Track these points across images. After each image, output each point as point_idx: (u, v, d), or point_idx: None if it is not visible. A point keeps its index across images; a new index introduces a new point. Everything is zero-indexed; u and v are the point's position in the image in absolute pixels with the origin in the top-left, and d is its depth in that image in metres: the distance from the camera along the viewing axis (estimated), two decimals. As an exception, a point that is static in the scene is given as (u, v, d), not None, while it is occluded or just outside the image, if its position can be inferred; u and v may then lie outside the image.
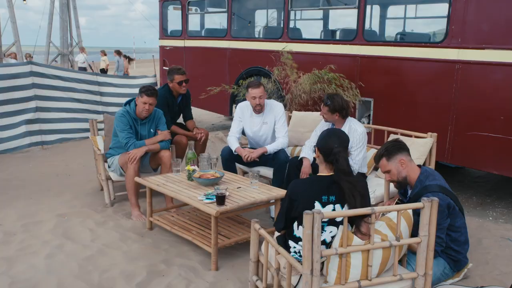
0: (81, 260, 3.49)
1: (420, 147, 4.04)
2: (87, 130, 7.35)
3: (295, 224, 2.63)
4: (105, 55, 16.98)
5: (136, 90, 7.75)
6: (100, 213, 4.45)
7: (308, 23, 8.08)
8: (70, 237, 3.91)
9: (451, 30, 4.77)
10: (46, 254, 3.58)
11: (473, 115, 4.72)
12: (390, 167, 3.08)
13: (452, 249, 3.04)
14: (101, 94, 7.81)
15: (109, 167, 4.68)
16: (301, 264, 2.29)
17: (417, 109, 5.20)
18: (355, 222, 2.53)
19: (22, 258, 3.52)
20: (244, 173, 4.79)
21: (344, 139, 2.70)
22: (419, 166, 3.17)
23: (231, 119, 9.17)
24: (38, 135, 6.96)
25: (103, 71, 15.77)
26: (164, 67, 9.09)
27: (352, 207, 2.48)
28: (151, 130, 4.56)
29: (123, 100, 7.72)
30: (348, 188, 2.52)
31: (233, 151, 4.49)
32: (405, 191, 3.26)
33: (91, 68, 16.24)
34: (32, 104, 6.88)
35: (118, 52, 15.89)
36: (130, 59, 16.47)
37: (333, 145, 2.61)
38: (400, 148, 3.08)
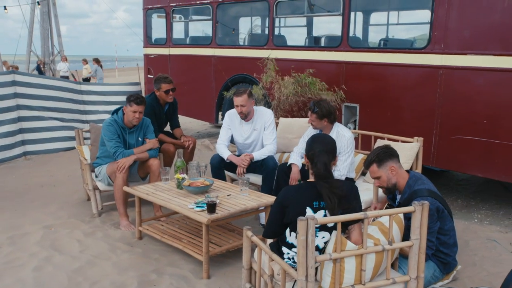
0: (70, 271, 3.44)
1: (407, 151, 4.09)
2: (71, 139, 7.26)
3: (287, 230, 2.64)
4: (87, 63, 16.84)
5: (119, 98, 7.80)
6: (87, 224, 4.40)
7: (293, 30, 8.15)
8: (57, 248, 3.85)
9: (434, 36, 4.86)
10: (33, 266, 3.51)
11: (457, 119, 4.81)
12: (380, 174, 3.12)
13: (441, 252, 3.08)
14: (84, 103, 7.74)
15: (96, 176, 4.62)
16: (296, 270, 2.30)
17: (402, 114, 5.28)
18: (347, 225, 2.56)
19: (9, 271, 3.45)
20: (233, 180, 4.79)
21: (326, 143, 2.70)
22: (407, 171, 3.22)
23: (217, 127, 9.18)
24: (21, 145, 6.85)
25: (86, 80, 15.61)
26: (149, 75, 9.06)
27: (331, 210, 2.49)
28: (139, 138, 4.54)
29: (107, 108, 7.72)
30: (325, 192, 2.52)
31: (225, 159, 4.49)
32: (393, 196, 3.30)
33: (73, 77, 16.06)
34: (14, 114, 6.77)
35: (97, 60, 15.72)
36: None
37: (315, 150, 2.64)
38: (391, 155, 3.12)
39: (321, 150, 2.64)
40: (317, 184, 2.57)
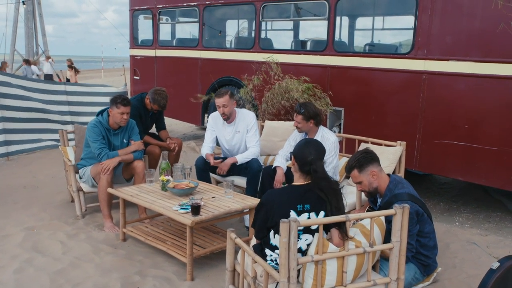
0: (52, 273, 3.41)
1: (390, 155, 4.15)
2: (54, 140, 7.19)
3: (271, 232, 2.66)
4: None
5: (103, 99, 7.73)
6: (71, 225, 4.36)
7: (280, 33, 8.19)
8: (40, 250, 3.81)
9: (417, 42, 4.95)
10: (14, 268, 3.47)
11: (439, 124, 4.89)
12: (361, 179, 3.15)
13: (422, 254, 3.13)
14: (69, 103, 7.66)
15: (80, 178, 4.59)
16: (278, 272, 2.32)
17: (386, 118, 5.35)
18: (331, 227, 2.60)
19: (-10, 273, 3.41)
20: (218, 182, 4.80)
21: (320, 151, 2.73)
22: (388, 174, 3.26)
23: (203, 129, 9.15)
24: (3, 146, 6.75)
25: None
26: (135, 77, 9.02)
27: (332, 207, 2.57)
28: (124, 140, 4.52)
29: (92, 109, 7.65)
30: (328, 192, 2.59)
31: (205, 159, 4.50)
32: (375, 199, 3.34)
33: (58, 77, 15.89)
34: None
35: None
36: (76, 70, 16.17)
37: (308, 156, 2.65)
38: (371, 159, 3.15)
39: (316, 156, 2.67)
40: (318, 187, 2.60)
